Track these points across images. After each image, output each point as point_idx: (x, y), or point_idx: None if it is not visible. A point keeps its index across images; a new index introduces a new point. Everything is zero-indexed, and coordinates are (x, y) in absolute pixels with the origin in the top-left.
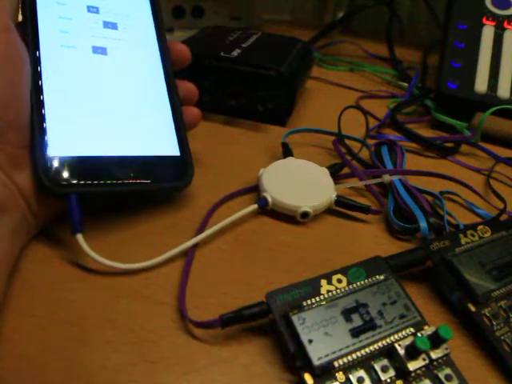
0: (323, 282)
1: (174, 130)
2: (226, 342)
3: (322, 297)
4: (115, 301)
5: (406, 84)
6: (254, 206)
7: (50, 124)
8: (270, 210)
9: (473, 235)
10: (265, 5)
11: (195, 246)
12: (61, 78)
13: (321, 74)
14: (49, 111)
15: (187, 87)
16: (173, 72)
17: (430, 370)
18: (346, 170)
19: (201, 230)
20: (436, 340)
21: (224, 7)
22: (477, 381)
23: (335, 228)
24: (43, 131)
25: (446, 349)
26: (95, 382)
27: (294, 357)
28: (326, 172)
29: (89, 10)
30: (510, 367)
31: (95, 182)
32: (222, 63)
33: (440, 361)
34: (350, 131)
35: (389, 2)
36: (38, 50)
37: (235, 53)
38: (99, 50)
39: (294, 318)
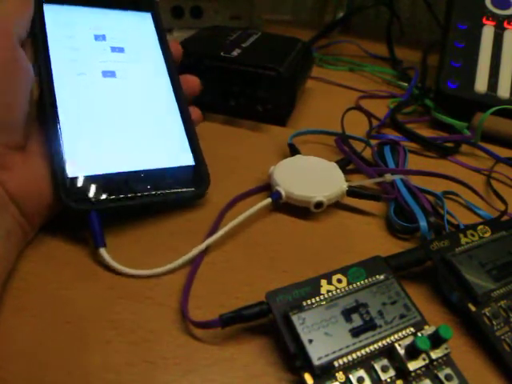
0: (323, 281)
1: (187, 142)
2: (226, 341)
3: (322, 297)
4: (116, 301)
5: (405, 84)
6: (268, 200)
7: (67, 145)
8: (279, 206)
9: (473, 235)
10: (265, 5)
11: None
12: (75, 102)
13: (321, 74)
14: (65, 134)
15: (188, 80)
16: (180, 85)
17: (430, 369)
18: (352, 167)
19: (212, 232)
20: (436, 340)
21: (224, 7)
22: (477, 380)
23: (335, 228)
24: (61, 152)
25: (446, 348)
26: (95, 382)
27: (294, 357)
28: (335, 166)
29: (96, 39)
30: (510, 367)
31: (115, 197)
32: (222, 63)
33: (440, 360)
34: (351, 130)
35: (389, 2)
36: (51, 78)
37: (235, 53)
38: (108, 74)
39: (294, 318)
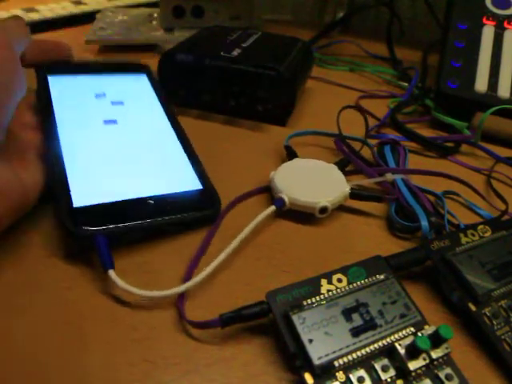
0: (323, 281)
1: (191, 168)
2: (226, 341)
3: (322, 296)
4: (115, 301)
5: (406, 84)
6: (272, 208)
7: (72, 180)
8: (284, 211)
9: (473, 235)
10: (265, 5)
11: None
12: (79, 145)
13: (321, 74)
14: (70, 170)
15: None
16: (177, 121)
17: (430, 369)
18: (350, 168)
19: (210, 237)
20: (436, 339)
21: (224, 7)
22: (477, 380)
23: (336, 228)
24: (66, 186)
25: (447, 348)
26: (95, 382)
27: (294, 356)
28: (334, 168)
29: (97, 97)
30: (510, 367)
31: (122, 223)
32: (222, 63)
33: (440, 360)
34: (351, 131)
35: (389, 2)
36: (56, 128)
37: (235, 52)
38: (110, 122)
39: (295, 318)
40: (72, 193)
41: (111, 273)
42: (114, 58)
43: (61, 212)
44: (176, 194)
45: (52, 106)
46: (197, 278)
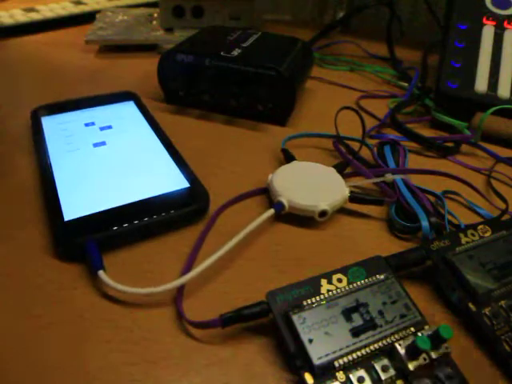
0: (323, 281)
1: (178, 170)
2: (226, 341)
3: (322, 296)
4: (115, 300)
5: (406, 84)
6: (271, 211)
7: (62, 195)
8: (284, 215)
9: (473, 235)
10: (265, 5)
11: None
12: (69, 167)
13: (321, 74)
14: (60, 187)
15: None
16: (163, 131)
17: (430, 369)
18: (349, 170)
19: (204, 234)
20: (436, 339)
21: (224, 7)
22: (477, 380)
23: (335, 228)
24: (57, 202)
25: (447, 348)
26: (95, 382)
27: (294, 356)
28: (333, 171)
29: (86, 125)
30: (510, 367)
31: (111, 228)
32: (222, 63)
33: (440, 360)
34: (352, 131)
35: (389, 2)
36: (48, 155)
37: (235, 52)
38: (99, 144)
39: (295, 318)
40: (63, 207)
41: (101, 273)
42: (101, 93)
43: (53, 225)
44: (164, 194)
45: (45, 141)
46: (188, 275)
